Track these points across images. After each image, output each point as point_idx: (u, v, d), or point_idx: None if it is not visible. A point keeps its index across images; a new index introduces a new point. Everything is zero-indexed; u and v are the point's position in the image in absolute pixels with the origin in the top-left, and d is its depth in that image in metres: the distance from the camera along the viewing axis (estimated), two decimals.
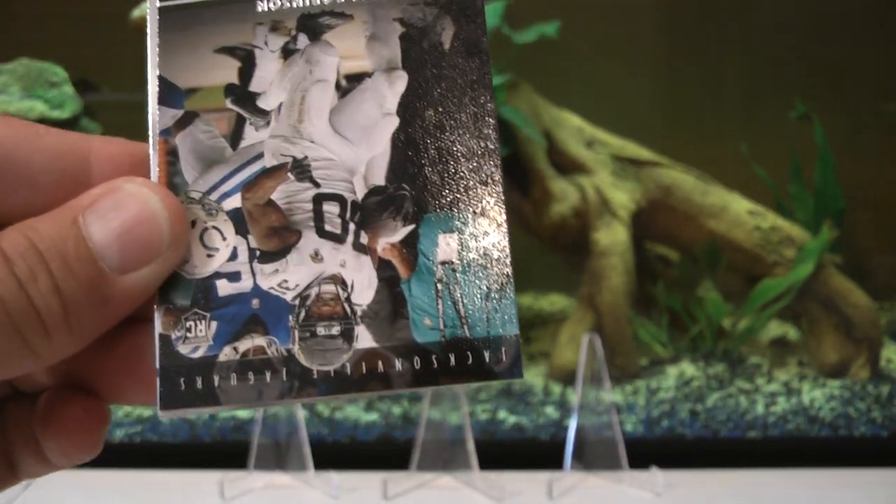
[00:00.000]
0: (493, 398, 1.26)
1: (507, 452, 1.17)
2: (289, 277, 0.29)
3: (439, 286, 0.29)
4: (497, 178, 0.30)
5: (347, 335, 0.29)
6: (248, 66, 0.31)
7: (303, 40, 0.31)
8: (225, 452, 1.17)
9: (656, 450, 1.17)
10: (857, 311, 1.32)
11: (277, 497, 1.03)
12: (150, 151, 0.30)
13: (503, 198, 0.30)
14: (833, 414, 1.22)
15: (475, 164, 0.30)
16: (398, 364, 0.29)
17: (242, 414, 1.22)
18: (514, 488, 1.02)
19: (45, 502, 1.03)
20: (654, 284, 1.40)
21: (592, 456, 1.05)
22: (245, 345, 0.29)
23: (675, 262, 1.45)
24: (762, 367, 1.35)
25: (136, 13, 1.26)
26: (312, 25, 0.31)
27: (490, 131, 0.30)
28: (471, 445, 1.02)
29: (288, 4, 0.31)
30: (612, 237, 1.31)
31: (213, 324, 0.29)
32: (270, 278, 0.29)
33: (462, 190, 0.30)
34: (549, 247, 1.39)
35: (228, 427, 1.20)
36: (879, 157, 1.57)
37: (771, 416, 1.21)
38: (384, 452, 1.17)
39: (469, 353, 0.29)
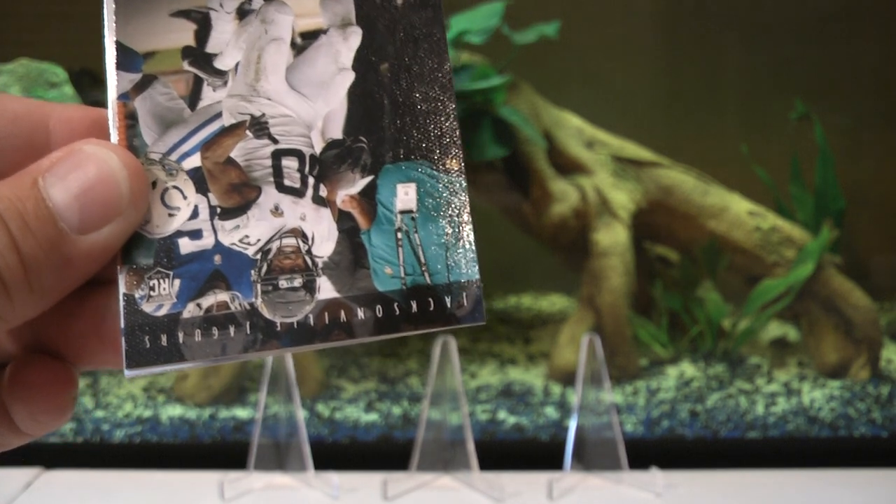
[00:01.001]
0: (494, 398, 1.26)
1: (507, 453, 1.17)
2: (250, 233, 0.30)
3: (399, 235, 0.30)
4: (453, 128, 0.30)
5: (309, 287, 0.29)
6: (203, 27, 0.31)
7: (258, 1, 0.31)
8: (225, 452, 1.17)
9: (656, 450, 1.17)
10: (857, 311, 1.32)
11: (277, 497, 1.03)
12: (109, 115, 0.30)
13: (460, 146, 0.31)
14: (833, 414, 1.22)
15: (431, 115, 0.30)
16: (360, 313, 0.29)
17: (242, 414, 1.22)
18: (514, 488, 1.02)
19: (45, 502, 1.03)
20: (654, 284, 1.40)
21: (592, 456, 1.05)
22: (208, 301, 0.29)
23: (675, 263, 1.45)
24: (762, 368, 1.35)
25: None
26: None
27: (445, 81, 0.31)
28: (471, 446, 1.02)
29: None
30: (612, 237, 1.31)
31: (176, 281, 0.29)
32: (232, 234, 0.30)
33: (419, 140, 0.30)
34: (549, 247, 1.39)
35: (228, 427, 1.20)
36: (879, 157, 1.57)
37: (771, 417, 1.21)
38: (384, 452, 1.17)
39: (430, 299, 0.29)
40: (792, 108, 1.47)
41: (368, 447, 1.18)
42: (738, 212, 1.36)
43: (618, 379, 1.28)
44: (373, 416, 1.22)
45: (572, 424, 1.05)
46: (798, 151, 1.46)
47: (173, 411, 1.23)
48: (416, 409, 1.23)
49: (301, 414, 1.04)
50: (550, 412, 1.22)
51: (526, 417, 1.21)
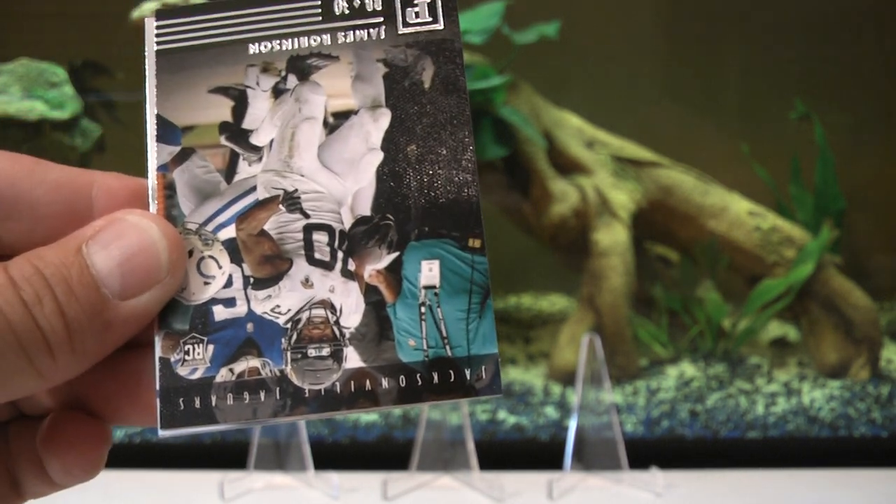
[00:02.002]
0: (494, 398, 1.26)
1: (507, 452, 1.17)
2: (281, 303, 0.31)
3: (423, 309, 0.31)
4: (476, 209, 0.32)
5: (337, 356, 0.31)
6: (240, 104, 0.33)
7: (292, 80, 0.33)
8: (225, 452, 1.17)
9: (656, 450, 1.17)
10: (857, 311, 1.32)
11: (277, 497, 1.03)
12: (149, 186, 0.32)
13: (482, 225, 0.32)
14: (833, 414, 1.22)
15: (455, 194, 0.32)
16: (384, 382, 0.30)
17: None
18: (514, 488, 1.02)
19: (45, 502, 1.03)
20: (654, 284, 1.40)
21: (592, 456, 1.05)
22: (240, 366, 0.30)
23: (675, 262, 1.45)
24: (762, 368, 1.35)
25: (135, 13, 1.26)
26: (301, 66, 0.33)
27: (468, 164, 0.32)
28: (471, 445, 1.02)
29: (278, 47, 0.33)
30: (612, 237, 1.31)
31: (210, 347, 0.31)
32: (264, 304, 0.31)
33: (443, 220, 0.32)
34: (549, 247, 1.39)
35: None
36: (879, 157, 1.57)
37: (771, 417, 1.21)
38: (384, 452, 1.17)
39: (451, 371, 0.31)
40: (792, 108, 1.47)
41: (368, 447, 1.18)
42: (738, 212, 1.36)
43: (618, 379, 1.28)
44: (373, 416, 1.22)
45: (572, 424, 1.05)
46: (798, 151, 1.46)
47: None
48: (416, 409, 1.23)
49: None
50: (550, 412, 1.22)
51: (526, 417, 1.21)
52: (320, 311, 0.31)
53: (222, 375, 0.30)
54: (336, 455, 1.13)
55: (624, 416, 1.21)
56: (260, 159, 0.32)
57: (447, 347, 0.31)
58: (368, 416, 1.22)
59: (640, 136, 1.40)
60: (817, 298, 1.33)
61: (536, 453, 1.17)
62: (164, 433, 0.30)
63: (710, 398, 1.26)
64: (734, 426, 1.20)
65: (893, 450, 1.17)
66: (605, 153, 1.37)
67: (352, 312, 0.31)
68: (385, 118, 0.32)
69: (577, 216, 1.33)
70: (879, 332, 1.32)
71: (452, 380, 0.31)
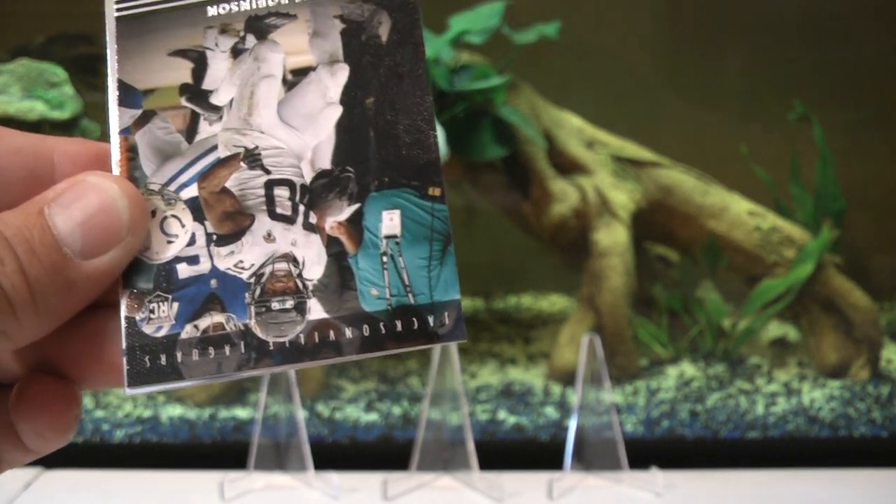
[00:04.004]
0: (493, 398, 1.26)
1: (507, 452, 1.17)
2: (244, 258, 0.32)
3: (384, 259, 0.32)
4: (435, 157, 0.32)
5: (300, 308, 0.31)
6: (200, 66, 0.33)
7: (251, 40, 0.33)
8: (225, 452, 1.17)
9: (656, 450, 1.17)
10: (857, 311, 1.32)
11: (277, 497, 1.03)
12: (112, 148, 0.32)
13: (442, 174, 0.32)
14: (833, 414, 1.22)
15: (414, 146, 0.32)
16: (348, 332, 0.31)
17: (242, 414, 1.22)
18: (514, 488, 1.02)
19: (45, 502, 1.03)
20: (654, 284, 1.40)
21: (592, 456, 1.05)
22: (205, 322, 0.31)
23: (675, 262, 1.45)
24: (762, 368, 1.35)
25: None
26: (259, 26, 0.33)
27: (427, 114, 0.33)
28: (471, 445, 1.02)
29: (236, 8, 0.34)
30: (612, 238, 1.31)
31: (175, 304, 0.31)
32: (227, 260, 0.32)
33: (403, 169, 0.32)
34: (549, 247, 1.39)
35: (228, 427, 1.20)
36: (879, 157, 1.57)
37: (771, 417, 1.21)
38: (384, 452, 1.17)
39: (414, 318, 0.31)
40: (792, 108, 1.47)
41: (368, 447, 1.18)
42: (738, 212, 1.36)
43: (618, 379, 1.28)
44: (373, 416, 1.22)
45: (572, 424, 1.05)
46: (798, 151, 1.46)
47: (173, 411, 1.23)
48: (416, 409, 1.23)
49: (301, 414, 1.04)
50: (550, 412, 1.22)
51: (526, 417, 1.21)
52: (283, 265, 0.31)
53: (187, 332, 0.31)
54: (336, 455, 1.13)
55: (624, 416, 1.21)
56: (220, 118, 0.33)
57: (409, 295, 0.31)
58: (368, 416, 1.22)
59: (640, 136, 1.40)
60: (817, 298, 1.33)
61: (536, 453, 1.17)
62: (130, 391, 0.31)
63: (710, 398, 1.26)
64: (734, 426, 1.20)
65: (893, 450, 1.17)
66: (605, 153, 1.37)
67: (314, 264, 0.32)
68: (343, 73, 0.33)
69: (577, 216, 1.33)
70: (879, 332, 1.32)
71: (416, 327, 0.31)
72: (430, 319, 0.31)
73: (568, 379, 1.26)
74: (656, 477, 1.03)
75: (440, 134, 1.21)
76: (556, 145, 1.36)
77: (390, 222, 0.32)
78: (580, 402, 1.05)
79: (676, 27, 1.58)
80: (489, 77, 1.29)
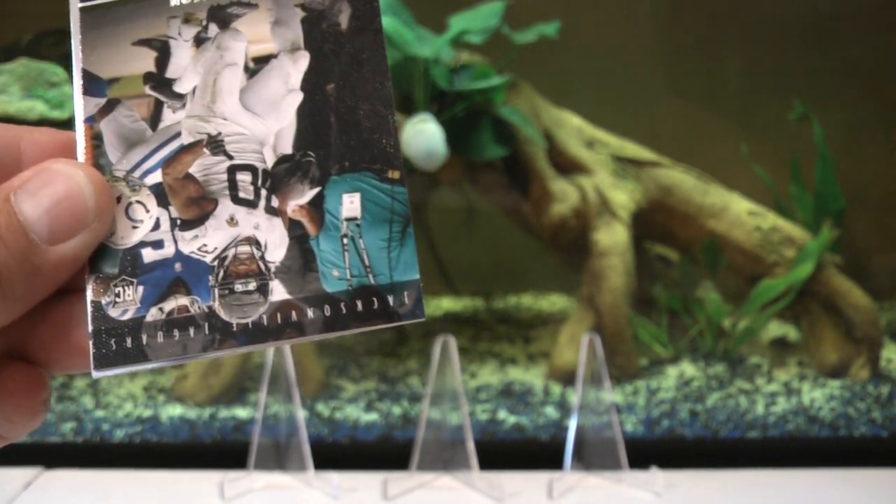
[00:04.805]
0: (493, 398, 1.26)
1: (507, 452, 1.17)
2: (208, 242, 0.32)
3: (345, 241, 0.32)
4: (395, 141, 0.33)
5: (263, 290, 0.32)
6: (163, 55, 0.34)
7: (213, 29, 0.34)
8: (225, 452, 1.17)
9: (656, 450, 1.17)
10: (857, 311, 1.32)
11: (277, 497, 1.03)
12: (77, 136, 0.33)
13: (401, 158, 0.33)
14: (833, 414, 1.22)
15: (375, 130, 0.33)
16: (310, 313, 0.32)
17: (242, 414, 1.22)
18: (514, 488, 1.02)
19: (45, 502, 1.03)
20: (654, 284, 1.40)
21: (592, 456, 1.05)
22: (170, 305, 0.32)
23: (675, 262, 1.45)
24: (762, 368, 1.35)
25: None
26: (221, 15, 0.34)
27: (387, 99, 0.33)
28: (471, 445, 1.02)
29: None
30: (612, 237, 1.31)
31: (140, 288, 0.32)
32: (191, 243, 0.32)
33: (363, 153, 0.33)
34: (549, 247, 1.39)
35: (228, 427, 1.20)
36: (879, 157, 1.57)
37: (771, 417, 1.21)
38: (384, 452, 1.17)
39: (375, 298, 0.32)
40: (792, 108, 1.47)
41: (368, 447, 1.18)
42: (738, 211, 1.36)
43: (618, 379, 1.28)
44: (373, 416, 1.22)
45: (572, 424, 1.05)
46: (798, 151, 1.46)
47: (173, 411, 1.23)
48: (416, 408, 1.23)
49: (301, 414, 1.04)
50: (550, 412, 1.22)
51: (526, 417, 1.21)
52: (246, 248, 0.32)
53: (152, 315, 0.31)
54: (336, 455, 1.13)
55: (624, 416, 1.21)
56: (184, 106, 0.33)
57: (370, 276, 0.32)
58: (368, 416, 1.22)
59: (640, 136, 1.40)
60: (817, 298, 1.33)
61: (536, 453, 1.17)
62: (97, 374, 0.31)
63: (710, 398, 1.26)
64: (734, 426, 1.20)
65: (893, 450, 1.17)
66: (605, 153, 1.37)
67: (276, 247, 0.32)
68: (304, 60, 0.34)
69: (577, 216, 1.33)
70: (879, 331, 1.32)
71: (376, 307, 0.32)
72: (391, 299, 0.32)
73: (568, 379, 1.26)
74: (656, 477, 1.03)
75: (440, 134, 1.21)
76: (556, 145, 1.36)
77: (350, 205, 0.32)
78: (580, 401, 1.05)
79: (676, 27, 1.58)
80: (489, 77, 1.29)
